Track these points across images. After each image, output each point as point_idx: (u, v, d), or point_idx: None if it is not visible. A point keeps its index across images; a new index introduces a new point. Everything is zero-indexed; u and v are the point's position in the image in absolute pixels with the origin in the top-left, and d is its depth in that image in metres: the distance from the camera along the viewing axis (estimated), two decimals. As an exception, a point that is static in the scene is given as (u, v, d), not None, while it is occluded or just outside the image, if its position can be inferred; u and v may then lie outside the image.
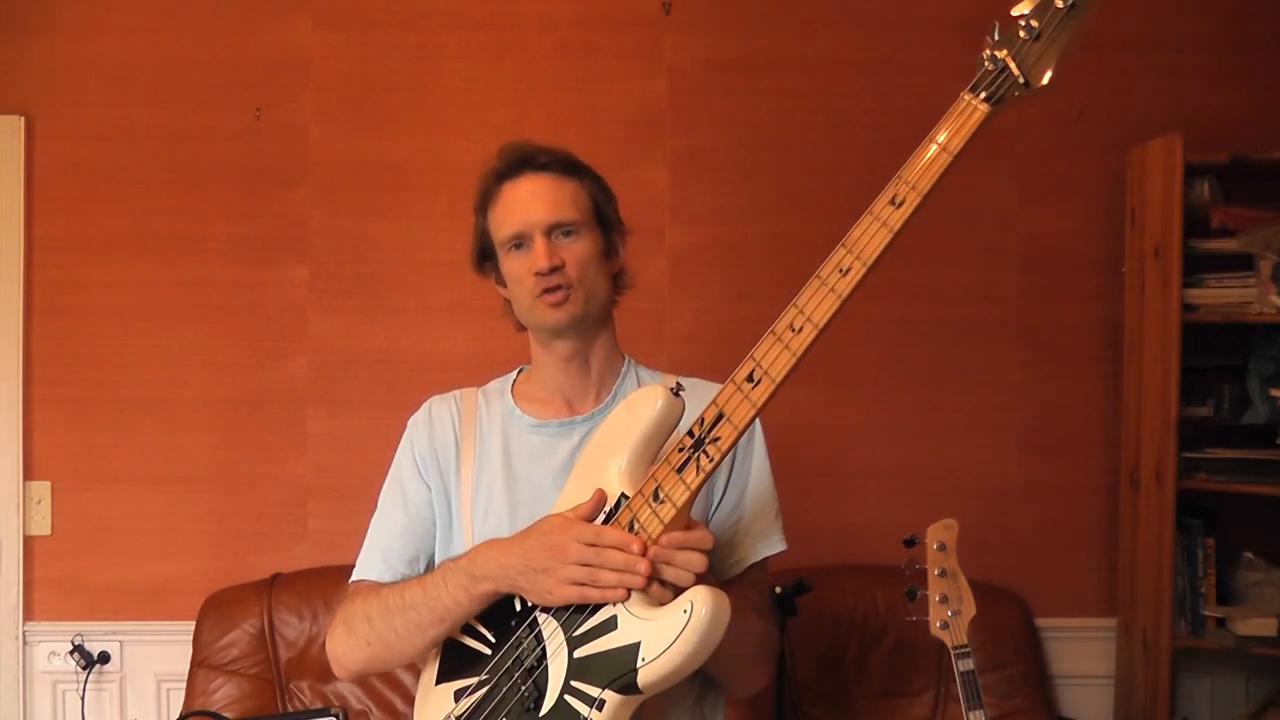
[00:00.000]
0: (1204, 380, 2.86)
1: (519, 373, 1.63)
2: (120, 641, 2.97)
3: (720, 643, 1.33)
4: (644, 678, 1.22)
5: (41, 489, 2.98)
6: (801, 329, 1.19)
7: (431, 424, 1.58)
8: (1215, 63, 2.98)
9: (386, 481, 1.62)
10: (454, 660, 1.43)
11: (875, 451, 3.00)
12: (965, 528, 2.17)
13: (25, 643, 2.96)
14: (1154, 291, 2.76)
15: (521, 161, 1.51)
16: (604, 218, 1.54)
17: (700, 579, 1.24)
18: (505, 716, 1.34)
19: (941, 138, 1.14)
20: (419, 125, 2.98)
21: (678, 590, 1.24)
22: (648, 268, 2.98)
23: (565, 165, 1.53)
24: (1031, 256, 2.99)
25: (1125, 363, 2.92)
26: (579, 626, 1.30)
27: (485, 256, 1.57)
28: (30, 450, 2.98)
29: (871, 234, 1.18)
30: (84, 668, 2.93)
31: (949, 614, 2.13)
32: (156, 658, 2.96)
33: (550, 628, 1.32)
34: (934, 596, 2.14)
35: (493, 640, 1.39)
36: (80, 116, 2.97)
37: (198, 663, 2.78)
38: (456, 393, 1.61)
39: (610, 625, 1.27)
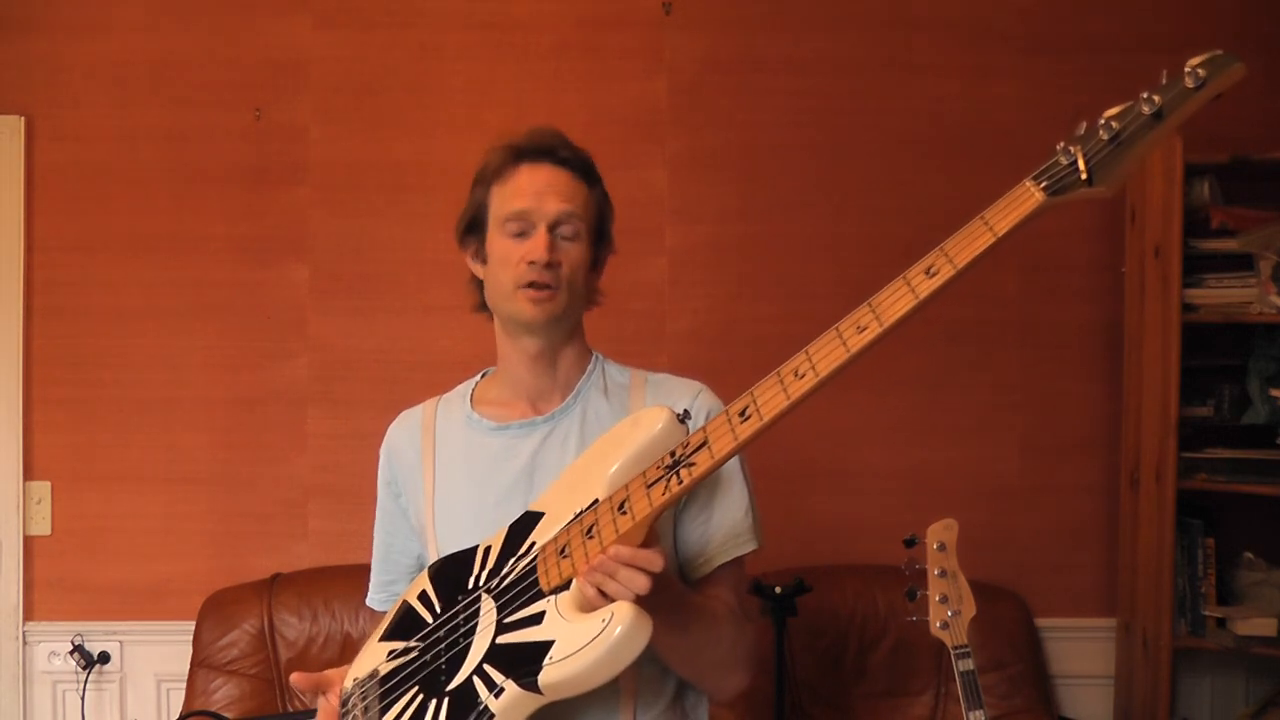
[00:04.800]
0: (1204, 380, 2.85)
1: (481, 377, 1.62)
2: (120, 641, 2.97)
3: (689, 649, 1.37)
4: (545, 676, 1.22)
5: (41, 489, 2.98)
6: (804, 375, 1.17)
7: (391, 445, 1.60)
8: (1215, 62, 2.98)
9: None
10: (401, 621, 1.46)
11: (875, 451, 3.00)
12: (965, 528, 2.17)
13: (25, 643, 2.96)
14: (1154, 291, 2.76)
15: (547, 149, 1.50)
16: (601, 232, 1.53)
17: (643, 601, 1.21)
18: (416, 683, 1.36)
19: (990, 216, 1.11)
20: (419, 125, 2.98)
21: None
22: (648, 268, 2.98)
23: (585, 169, 1.52)
24: (1031, 256, 2.99)
25: (1125, 363, 2.92)
26: (511, 613, 1.30)
27: (472, 228, 1.54)
28: (30, 450, 2.98)
29: (897, 298, 1.15)
30: (84, 668, 2.93)
31: (949, 614, 2.13)
32: (156, 658, 2.96)
33: (487, 608, 1.34)
34: (934, 596, 2.14)
35: (438, 610, 1.41)
36: (80, 116, 2.97)
37: (198, 663, 2.78)
38: (419, 406, 1.62)
39: (537, 619, 1.27)
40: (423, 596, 1.45)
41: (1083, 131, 1.08)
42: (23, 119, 2.96)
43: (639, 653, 1.20)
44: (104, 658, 2.95)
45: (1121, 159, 1.06)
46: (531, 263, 1.45)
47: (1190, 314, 2.71)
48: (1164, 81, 1.05)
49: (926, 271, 1.14)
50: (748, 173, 3.00)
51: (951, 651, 2.12)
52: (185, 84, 2.98)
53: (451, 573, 1.43)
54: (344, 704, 1.44)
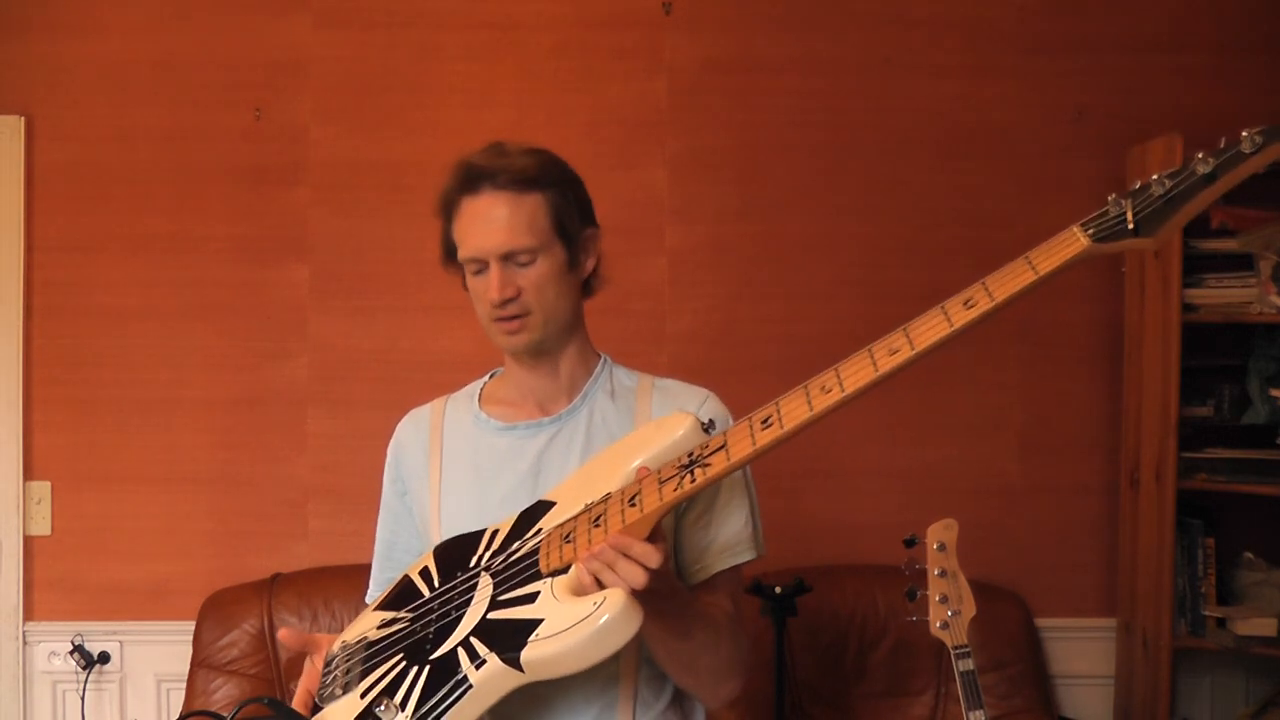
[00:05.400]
0: (1204, 380, 2.86)
1: (490, 376, 1.63)
2: (120, 641, 2.97)
3: (689, 654, 1.37)
4: (528, 653, 1.22)
5: (41, 489, 2.98)
6: (830, 390, 1.18)
7: (400, 444, 1.61)
8: (1215, 63, 2.98)
9: None
10: (399, 593, 1.48)
11: (875, 451, 2.99)
12: (965, 528, 2.17)
13: (25, 643, 2.96)
14: (1154, 291, 2.76)
15: (485, 175, 1.47)
16: (566, 231, 1.49)
17: (647, 602, 1.22)
18: (401, 650, 1.37)
19: (1034, 256, 1.15)
20: (419, 125, 2.98)
21: None
22: (648, 268, 2.98)
23: (525, 180, 1.46)
24: (1031, 256, 2.99)
25: (1125, 363, 2.92)
26: (507, 591, 1.32)
27: (452, 255, 1.55)
28: (30, 450, 2.98)
29: (931, 324, 1.19)
30: (84, 668, 2.93)
31: (949, 614, 2.13)
32: (156, 658, 2.96)
33: (484, 585, 1.35)
34: (934, 596, 2.14)
35: (437, 585, 1.42)
36: (80, 116, 2.97)
37: (198, 663, 2.78)
38: (428, 404, 1.63)
39: (530, 599, 1.28)
40: (424, 572, 1.46)
41: (1137, 186, 1.11)
42: (23, 119, 2.96)
43: (624, 642, 1.20)
44: (104, 658, 2.95)
45: (1170, 214, 1.08)
46: (490, 302, 1.46)
47: (1190, 314, 2.71)
48: (1221, 145, 1.06)
49: (964, 303, 1.17)
50: (748, 173, 3.00)
51: (951, 651, 2.12)
52: (185, 84, 2.98)
53: (456, 551, 1.44)
54: (328, 666, 1.46)
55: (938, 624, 2.13)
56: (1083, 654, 2.99)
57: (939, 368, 3.00)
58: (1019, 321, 3.00)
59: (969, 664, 2.11)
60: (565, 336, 1.53)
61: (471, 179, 1.48)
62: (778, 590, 2.56)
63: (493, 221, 1.45)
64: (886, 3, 3.01)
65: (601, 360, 1.58)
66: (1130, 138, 2.87)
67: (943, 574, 2.14)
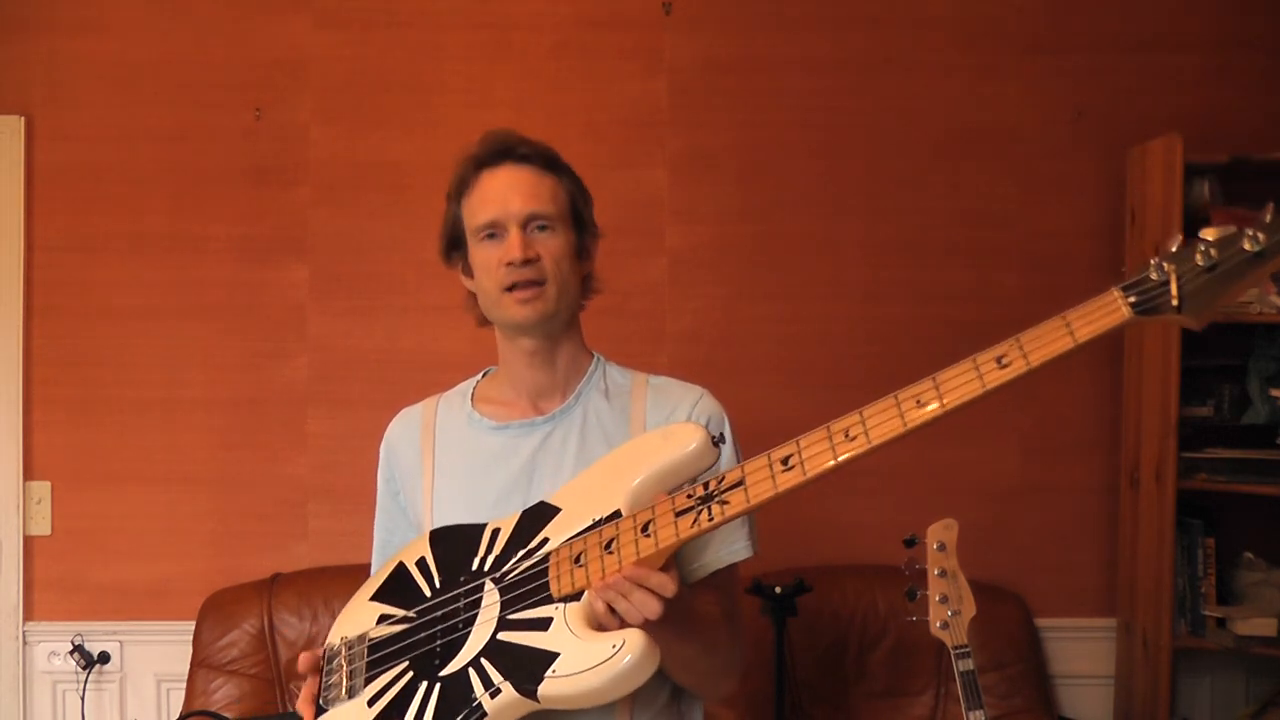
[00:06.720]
0: (1204, 380, 2.86)
1: (483, 375, 1.63)
2: (120, 641, 2.97)
3: (691, 656, 1.36)
4: (545, 689, 1.22)
5: (41, 489, 2.98)
6: (855, 438, 1.17)
7: (392, 443, 1.60)
8: (1215, 63, 2.98)
9: None
10: (395, 584, 1.45)
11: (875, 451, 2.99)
12: (965, 528, 2.17)
13: (25, 643, 2.96)
14: (1154, 291, 2.76)
15: (503, 151, 1.49)
16: (580, 218, 1.52)
17: (650, 626, 1.23)
18: (409, 660, 1.36)
19: (1073, 320, 1.11)
20: (419, 125, 2.98)
21: (624, 623, 1.24)
22: (648, 268, 2.98)
23: (546, 160, 1.50)
24: (1031, 256, 2.99)
25: (1125, 363, 2.92)
26: (516, 610, 1.30)
27: (454, 245, 1.55)
28: (30, 450, 2.98)
29: (964, 381, 1.15)
30: (84, 668, 2.93)
31: (949, 614, 2.13)
32: (156, 658, 2.96)
33: (491, 598, 1.33)
34: (934, 596, 2.14)
35: (438, 584, 1.40)
36: (80, 116, 2.97)
37: (198, 663, 2.78)
38: (420, 404, 1.62)
39: (543, 624, 1.27)
40: (421, 564, 1.44)
41: (1176, 248, 1.05)
42: (23, 119, 2.96)
43: (644, 681, 1.21)
44: (104, 658, 2.95)
45: (1216, 294, 1.02)
46: (509, 264, 1.44)
47: (1190, 314, 2.71)
48: (1268, 218, 1.00)
49: (998, 361, 1.14)
50: (748, 173, 3.00)
51: (951, 651, 2.12)
52: (185, 84, 2.98)
53: (455, 547, 1.42)
54: (329, 659, 1.44)
55: (938, 624, 2.13)
56: (1083, 654, 2.99)
57: (939, 368, 3.00)
58: (1019, 321, 3.00)
59: (969, 664, 2.11)
60: (566, 326, 1.53)
61: (492, 155, 1.49)
62: (778, 590, 2.56)
63: (516, 186, 1.47)
64: (887, 3, 3.01)
65: (595, 359, 1.58)
66: (1130, 138, 2.87)
67: (943, 574, 2.14)
